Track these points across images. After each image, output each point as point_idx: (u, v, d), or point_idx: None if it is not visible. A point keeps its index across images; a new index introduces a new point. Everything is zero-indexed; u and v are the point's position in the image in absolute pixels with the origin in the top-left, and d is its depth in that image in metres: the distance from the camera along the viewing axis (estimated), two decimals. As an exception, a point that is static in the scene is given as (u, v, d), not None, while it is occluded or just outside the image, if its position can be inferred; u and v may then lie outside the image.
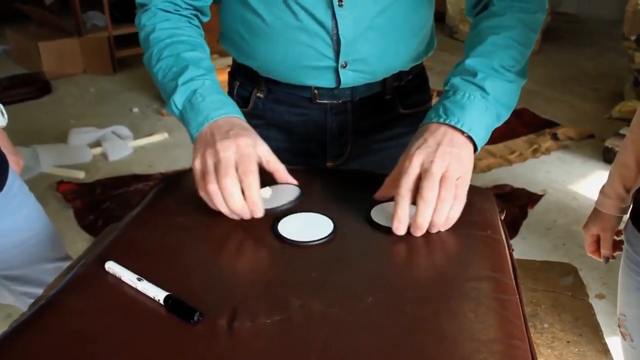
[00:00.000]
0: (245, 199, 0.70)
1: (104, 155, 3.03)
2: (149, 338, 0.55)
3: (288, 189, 0.77)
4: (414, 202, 0.69)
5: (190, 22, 0.89)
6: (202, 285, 0.62)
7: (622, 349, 1.04)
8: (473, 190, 0.84)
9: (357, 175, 0.90)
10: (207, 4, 0.91)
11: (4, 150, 1.14)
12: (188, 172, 0.89)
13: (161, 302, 0.58)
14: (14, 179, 1.15)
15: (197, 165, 0.74)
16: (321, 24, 0.85)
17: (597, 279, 2.03)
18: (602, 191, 1.00)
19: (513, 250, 0.74)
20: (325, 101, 0.95)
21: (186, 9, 0.89)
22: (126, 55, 4.39)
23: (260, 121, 0.99)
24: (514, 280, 0.65)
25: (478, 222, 0.73)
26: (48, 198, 2.63)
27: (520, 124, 3.31)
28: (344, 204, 0.76)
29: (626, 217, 0.99)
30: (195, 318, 0.56)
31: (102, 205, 2.56)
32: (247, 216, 0.71)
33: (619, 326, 1.02)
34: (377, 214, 0.73)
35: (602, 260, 1.04)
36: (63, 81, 4.16)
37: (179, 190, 0.82)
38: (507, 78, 0.78)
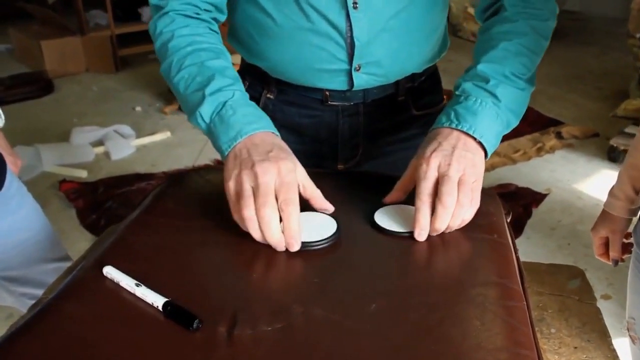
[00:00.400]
0: (283, 231, 0.65)
1: (106, 154, 3.02)
2: (147, 345, 0.54)
3: (322, 220, 0.71)
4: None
5: (210, 29, 0.84)
6: (202, 290, 0.61)
7: (632, 353, 1.03)
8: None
9: (365, 177, 0.88)
10: (224, 0, 0.87)
11: (2, 151, 1.13)
12: (190, 172, 0.88)
13: (160, 308, 0.57)
14: (11, 179, 1.14)
15: (232, 186, 0.68)
16: (335, 27, 0.83)
17: (602, 280, 2.01)
18: (611, 193, 0.98)
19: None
20: (337, 103, 0.93)
21: (205, 10, 0.84)
22: (129, 53, 4.39)
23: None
24: (520, 286, 0.63)
25: (484, 225, 0.72)
26: (50, 197, 2.62)
27: (525, 123, 3.28)
28: (350, 206, 0.74)
29: (635, 219, 0.97)
30: (195, 325, 0.54)
31: (105, 204, 2.55)
32: (281, 248, 0.66)
33: (628, 330, 1.01)
34: (381, 218, 0.72)
35: (610, 263, 1.02)
36: (65, 80, 4.16)
37: (180, 193, 0.81)
38: (518, 85, 0.78)
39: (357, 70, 0.87)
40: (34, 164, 2.84)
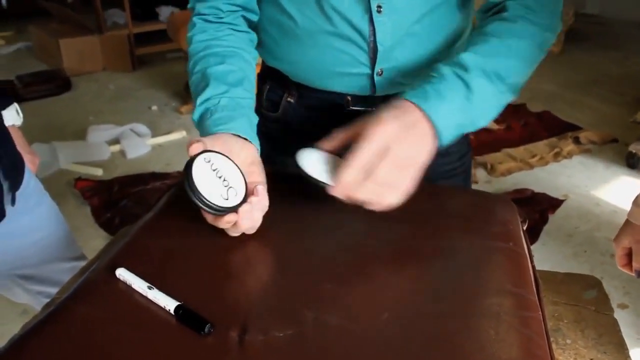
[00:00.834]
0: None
1: (122, 153, 3.04)
2: (158, 349, 0.53)
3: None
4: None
5: (233, 29, 0.85)
6: (214, 294, 0.61)
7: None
8: (494, 199, 0.82)
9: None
10: (253, 0, 0.87)
11: (20, 149, 1.14)
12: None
13: (172, 312, 0.57)
14: (29, 177, 1.15)
15: None
16: (358, 30, 0.82)
17: (619, 288, 1.98)
18: (635, 202, 0.96)
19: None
20: (359, 108, 0.92)
21: (230, 11, 0.85)
22: (146, 53, 4.42)
23: (290, 126, 0.97)
24: (536, 296, 0.62)
25: (500, 233, 0.71)
26: (66, 195, 2.65)
27: (542, 127, 3.26)
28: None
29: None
30: (206, 330, 0.54)
31: (119, 203, 2.56)
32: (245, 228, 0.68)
33: None
34: (306, 160, 0.71)
35: (633, 274, 1.00)
36: (83, 78, 4.19)
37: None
38: (497, 86, 0.74)
39: (380, 75, 0.86)
40: (51, 161, 2.86)
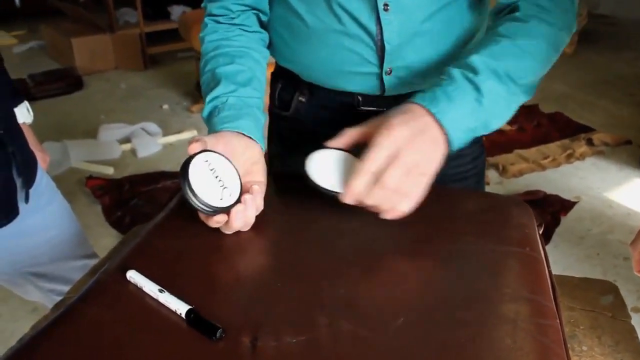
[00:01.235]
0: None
1: (132, 152, 3.05)
2: (168, 353, 0.53)
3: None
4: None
5: (243, 30, 0.86)
6: (225, 298, 0.60)
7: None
8: (510, 202, 0.81)
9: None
10: (263, 1, 0.87)
11: (31, 147, 1.14)
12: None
13: (183, 316, 0.56)
14: (41, 175, 1.15)
15: None
16: (365, 29, 0.81)
17: (633, 292, 1.95)
18: None
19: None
20: (370, 108, 0.91)
21: (240, 11, 0.86)
22: (157, 52, 4.43)
23: (301, 125, 0.97)
24: (553, 302, 0.61)
25: (516, 238, 0.70)
26: (77, 193, 2.65)
27: (554, 129, 3.23)
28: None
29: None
30: (218, 335, 0.53)
31: (130, 201, 2.57)
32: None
33: None
34: (315, 166, 0.71)
35: None
36: (95, 77, 4.21)
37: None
38: (509, 88, 0.72)
39: (388, 74, 0.85)
40: (62, 159, 2.88)
